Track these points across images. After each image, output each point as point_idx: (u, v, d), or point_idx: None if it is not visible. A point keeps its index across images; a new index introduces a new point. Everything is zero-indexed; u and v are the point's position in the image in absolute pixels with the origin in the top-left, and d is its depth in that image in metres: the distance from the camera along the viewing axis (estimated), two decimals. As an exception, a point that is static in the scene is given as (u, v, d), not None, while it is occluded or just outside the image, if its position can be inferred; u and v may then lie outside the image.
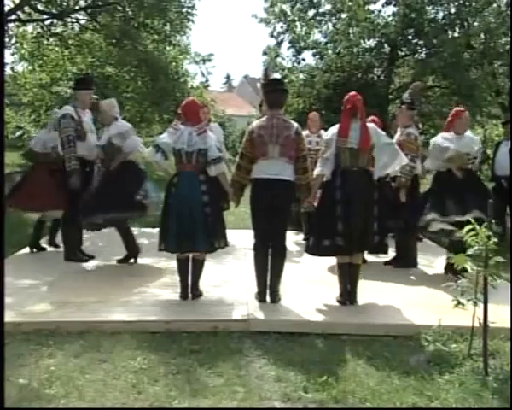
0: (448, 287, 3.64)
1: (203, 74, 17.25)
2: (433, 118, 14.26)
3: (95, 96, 6.05)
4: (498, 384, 3.17)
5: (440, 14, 14.03)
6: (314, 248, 4.53)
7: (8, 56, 15.15)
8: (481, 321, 3.36)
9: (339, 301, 4.51)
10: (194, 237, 4.36)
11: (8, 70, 14.27)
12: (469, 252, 3.32)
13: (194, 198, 4.40)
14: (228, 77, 56.25)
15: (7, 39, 12.26)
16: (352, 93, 4.56)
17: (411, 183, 5.48)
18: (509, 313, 4.03)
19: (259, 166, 4.42)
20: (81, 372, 3.26)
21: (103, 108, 5.64)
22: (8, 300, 4.44)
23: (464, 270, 3.35)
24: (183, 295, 4.54)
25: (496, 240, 3.31)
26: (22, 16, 11.66)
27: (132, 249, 5.74)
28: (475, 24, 13.41)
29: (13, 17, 11.31)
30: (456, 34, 13.64)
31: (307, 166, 4.51)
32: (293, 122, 4.55)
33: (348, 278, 4.51)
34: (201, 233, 4.37)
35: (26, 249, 6.30)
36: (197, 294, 4.57)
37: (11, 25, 11.90)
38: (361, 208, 4.34)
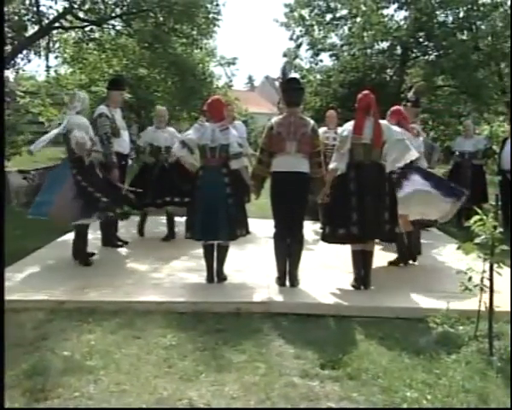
0: (455, 273, 3.61)
1: (227, 76, 17.20)
2: (442, 115, 14.08)
3: (128, 96, 6.05)
4: (502, 364, 3.13)
5: (450, 18, 13.78)
6: (330, 237, 4.51)
7: (52, 60, 15.39)
8: (487, 305, 3.32)
9: (353, 286, 4.49)
10: (217, 226, 4.35)
11: (51, 72, 14.49)
12: (476, 241, 3.26)
13: (218, 190, 4.39)
14: (250, 77, 56.00)
15: (51, 44, 12.41)
16: (365, 92, 4.48)
17: None
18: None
19: (278, 161, 4.40)
20: (117, 347, 3.31)
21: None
22: (51, 280, 4.54)
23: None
24: (209, 279, 4.56)
25: (502, 230, 3.25)
26: (65, 23, 11.79)
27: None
28: (483, 27, 13.12)
29: (56, 25, 11.42)
30: (464, 37, 13.37)
31: (321, 160, 4.47)
32: (309, 120, 4.51)
33: (362, 264, 4.48)
34: (224, 223, 4.36)
35: (67, 236, 6.34)
36: (222, 278, 4.59)
37: (55, 31, 12.03)
38: (374, 199, 4.30)
